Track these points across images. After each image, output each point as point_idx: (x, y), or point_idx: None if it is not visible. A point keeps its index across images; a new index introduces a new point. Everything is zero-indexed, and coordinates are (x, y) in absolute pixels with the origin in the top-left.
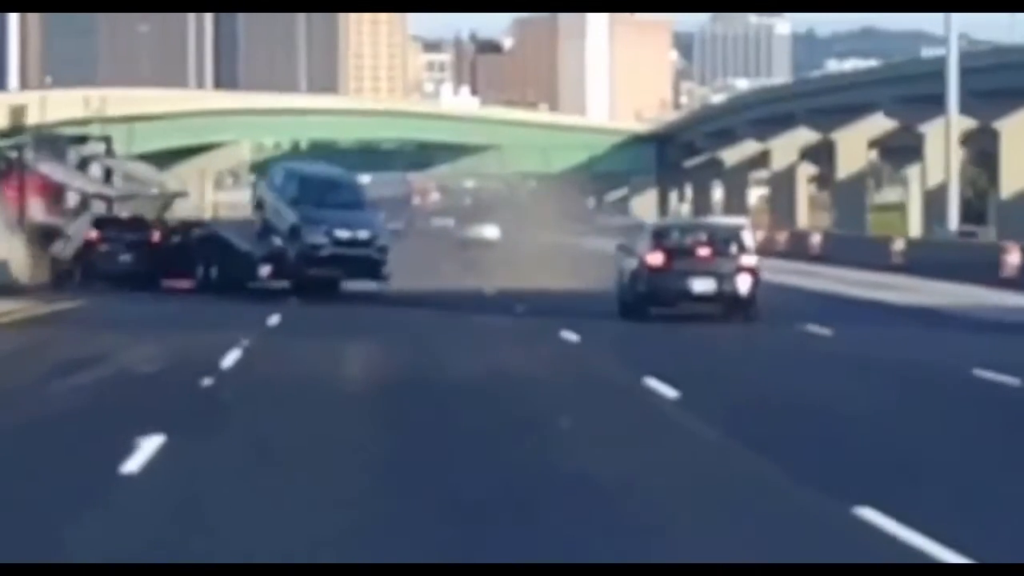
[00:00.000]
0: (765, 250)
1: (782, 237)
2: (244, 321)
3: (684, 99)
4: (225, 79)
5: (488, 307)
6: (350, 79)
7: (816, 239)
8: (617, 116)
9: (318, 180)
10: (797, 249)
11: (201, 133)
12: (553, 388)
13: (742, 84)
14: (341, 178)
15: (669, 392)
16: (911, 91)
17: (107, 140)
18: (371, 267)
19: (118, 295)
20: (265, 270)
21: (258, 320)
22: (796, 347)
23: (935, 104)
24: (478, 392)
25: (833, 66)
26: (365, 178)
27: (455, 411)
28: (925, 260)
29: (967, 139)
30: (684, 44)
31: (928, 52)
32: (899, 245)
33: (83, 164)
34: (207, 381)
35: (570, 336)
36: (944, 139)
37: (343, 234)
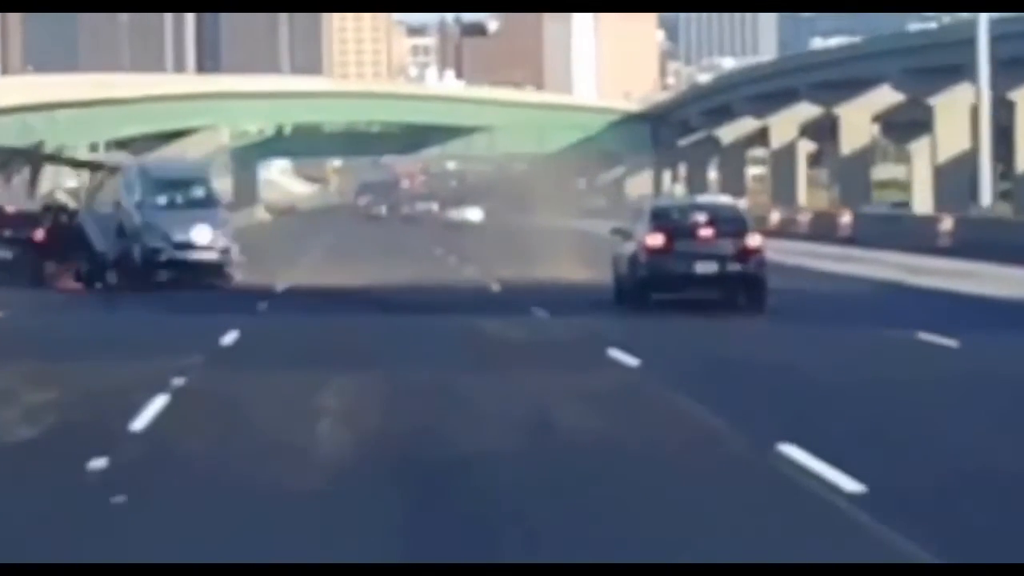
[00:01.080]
0: (784, 232)
1: (804, 217)
2: (187, 341)
3: (671, 79)
4: (208, 66)
5: (496, 307)
6: (334, 65)
7: (846, 219)
8: (605, 97)
9: (164, 181)
10: (822, 230)
11: (177, 118)
12: (659, 470)
13: (728, 63)
14: (188, 177)
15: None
16: (921, 63)
17: None
18: (212, 270)
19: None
20: (111, 275)
21: (208, 339)
22: (923, 361)
23: (945, 75)
24: (536, 488)
25: (819, 44)
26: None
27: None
28: (977, 241)
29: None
30: (669, 24)
31: (915, 27)
32: (947, 224)
33: None
34: (97, 464)
35: (624, 358)
36: (958, 111)
37: (182, 237)
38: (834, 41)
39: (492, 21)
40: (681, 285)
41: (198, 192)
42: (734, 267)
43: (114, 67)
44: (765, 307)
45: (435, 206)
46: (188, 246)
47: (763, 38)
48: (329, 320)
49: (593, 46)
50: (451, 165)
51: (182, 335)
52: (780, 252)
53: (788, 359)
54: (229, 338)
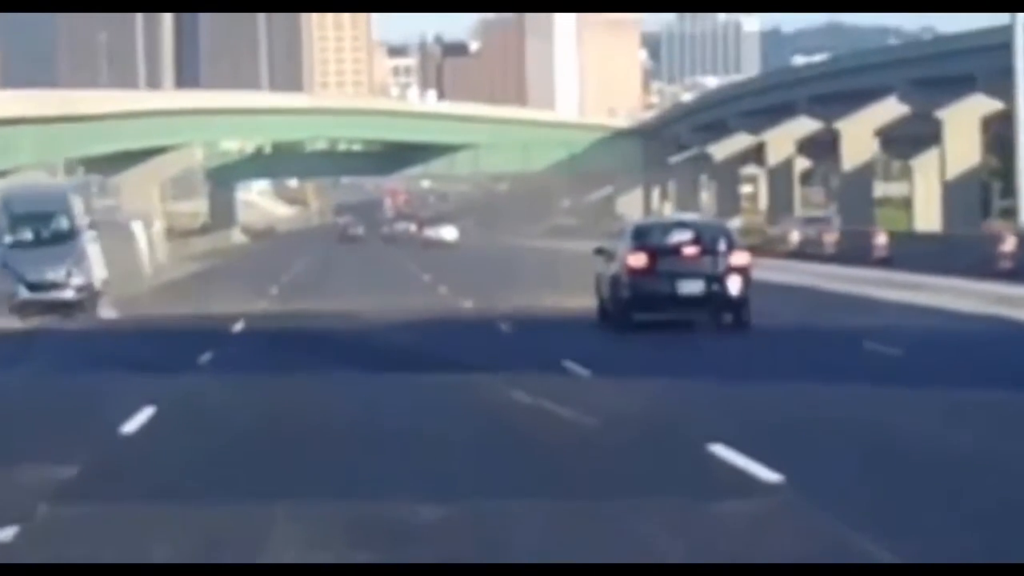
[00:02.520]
0: (806, 253)
1: (830, 237)
2: (66, 432)
3: (654, 99)
4: (186, 84)
5: (507, 356)
6: (314, 86)
7: (882, 239)
8: (588, 116)
9: (23, 214)
10: (852, 252)
11: (147, 136)
12: None
13: (711, 82)
14: (47, 210)
15: None
16: (928, 73)
17: None
18: (68, 307)
19: None
20: None
21: (98, 427)
22: None
23: (955, 86)
24: None
25: (800, 62)
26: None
27: None
28: None
29: (988, 124)
30: (651, 44)
31: (894, 43)
32: (1008, 245)
33: None
34: None
35: (754, 469)
36: (968, 123)
37: (36, 278)
38: (818, 59)
39: (473, 41)
40: (665, 305)
41: (58, 224)
42: (719, 286)
43: (92, 84)
44: (750, 327)
45: (414, 227)
46: (42, 287)
47: (745, 57)
48: (288, 386)
49: (575, 65)
50: (434, 185)
51: (64, 418)
52: (820, 278)
53: None
54: (133, 424)
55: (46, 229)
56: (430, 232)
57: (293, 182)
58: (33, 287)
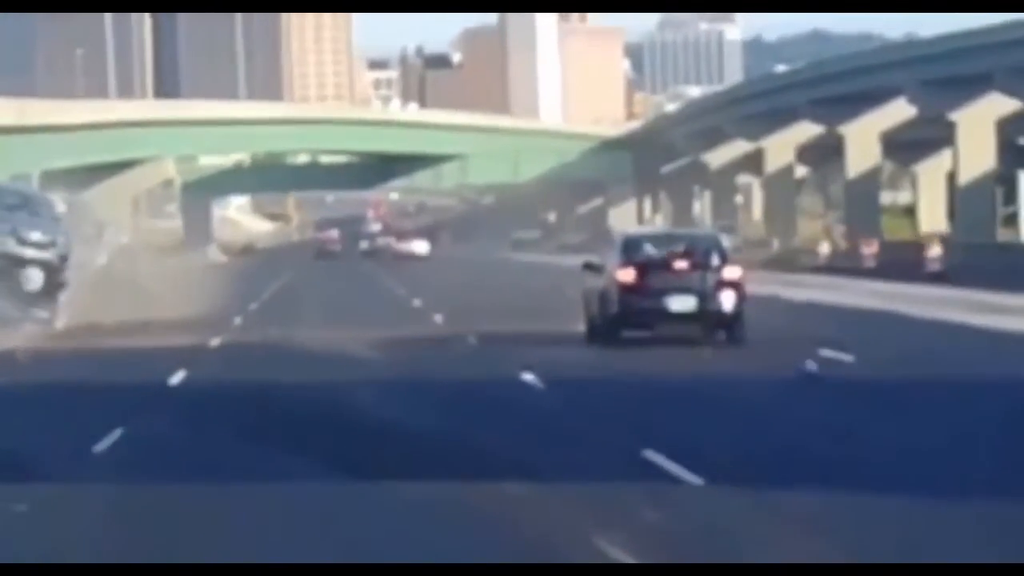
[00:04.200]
0: (837, 267)
1: (870, 250)
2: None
3: (637, 109)
4: (166, 95)
5: (544, 431)
6: (295, 100)
7: (935, 251)
8: (573, 127)
9: None
10: (897, 265)
11: (117, 148)
12: None
13: (694, 92)
14: None
15: None
16: (940, 73)
17: None
18: None
19: None
20: None
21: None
22: None
23: (968, 87)
24: None
25: (783, 71)
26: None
27: None
28: None
29: (1003, 125)
30: (634, 54)
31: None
32: None
33: None
34: None
35: None
36: (983, 125)
37: None
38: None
39: (455, 53)
40: (655, 322)
41: None
42: (712, 302)
43: (70, 95)
44: (744, 343)
45: (392, 240)
46: None
47: (728, 66)
48: (228, 494)
49: (559, 76)
50: (419, 198)
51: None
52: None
53: None
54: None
55: None
56: (403, 246)
57: (276, 196)
58: None
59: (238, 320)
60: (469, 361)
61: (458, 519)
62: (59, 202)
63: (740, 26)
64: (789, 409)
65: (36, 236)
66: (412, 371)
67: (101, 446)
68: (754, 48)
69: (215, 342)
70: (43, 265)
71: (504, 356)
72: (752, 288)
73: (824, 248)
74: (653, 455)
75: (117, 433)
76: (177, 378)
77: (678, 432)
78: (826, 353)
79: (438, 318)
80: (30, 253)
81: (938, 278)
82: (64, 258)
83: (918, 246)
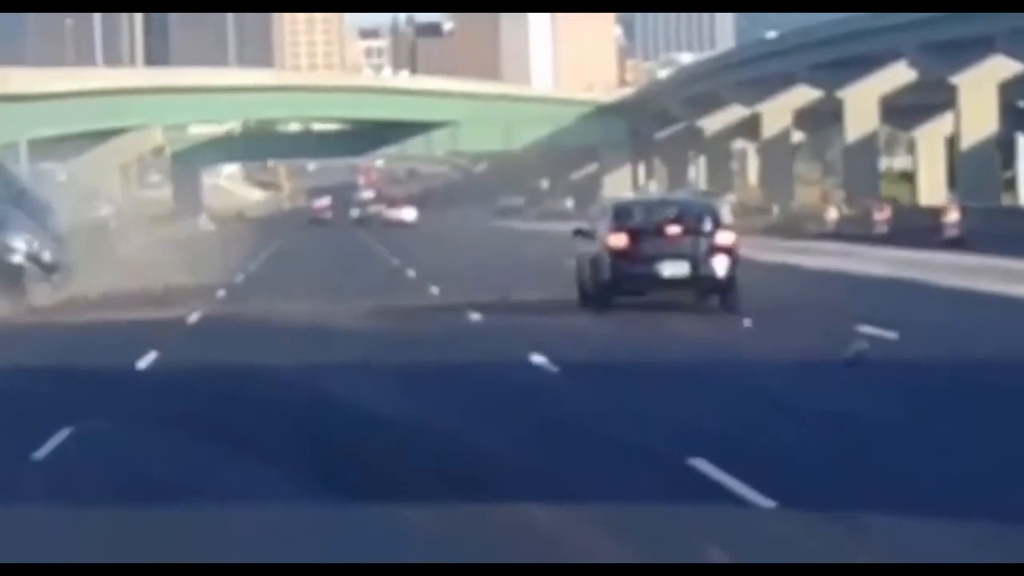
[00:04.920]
0: (846, 234)
1: (882, 215)
2: None
3: (629, 76)
4: (156, 62)
5: (564, 431)
6: (286, 67)
7: (953, 215)
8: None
9: None
10: (910, 231)
11: (104, 117)
12: None
13: (686, 58)
14: None
15: None
16: (940, 36)
17: None
18: None
19: None
20: None
21: None
22: None
23: (969, 50)
24: None
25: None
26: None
27: None
28: None
29: (1005, 89)
30: (626, 21)
31: None
32: None
33: None
34: None
35: None
36: (986, 89)
37: None
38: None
39: (447, 21)
40: (647, 287)
41: None
42: (705, 267)
43: (60, 63)
44: (739, 309)
45: (383, 207)
46: None
47: (720, 33)
48: (178, 519)
49: (550, 44)
50: (415, 166)
51: None
52: (910, 267)
53: None
54: None
55: None
56: (392, 213)
57: (264, 165)
58: None
59: (222, 293)
60: (471, 340)
61: (459, 551)
62: (59, 171)
63: None
64: (856, 404)
65: (17, 243)
66: (407, 353)
67: (41, 452)
68: (745, 15)
69: (194, 317)
70: (27, 266)
71: (508, 334)
72: (761, 255)
73: (831, 213)
74: (702, 465)
75: (64, 434)
76: (146, 361)
77: (728, 436)
78: (866, 330)
79: (435, 289)
80: (16, 259)
81: (955, 244)
82: (57, 244)
83: (932, 211)
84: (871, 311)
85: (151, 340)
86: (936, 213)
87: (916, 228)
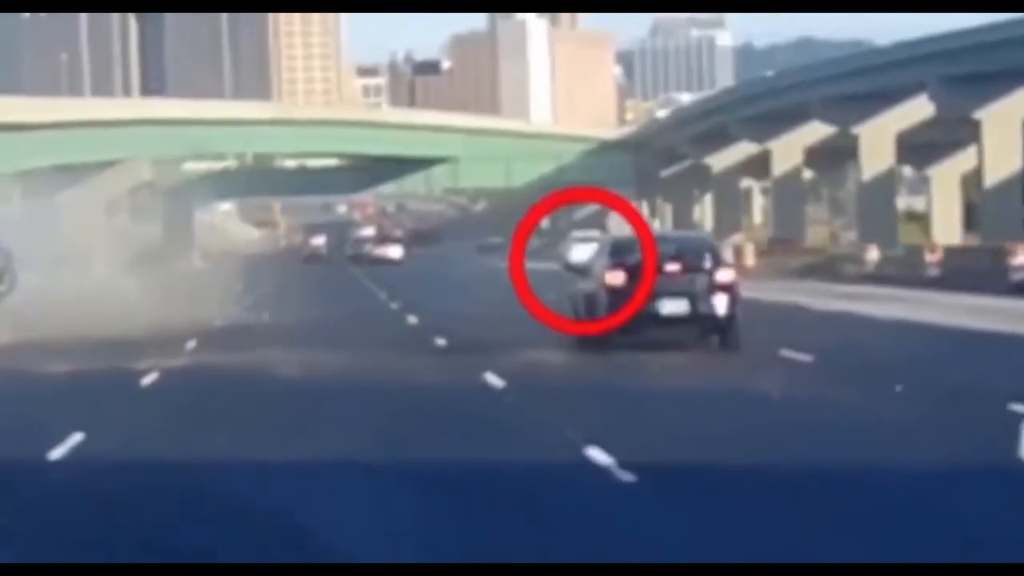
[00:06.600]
0: (889, 277)
1: (934, 256)
2: None
3: (629, 115)
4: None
5: None
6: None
7: (1021, 258)
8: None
9: None
10: (967, 274)
11: (90, 149)
12: None
13: (685, 98)
14: None
15: None
16: (964, 68)
17: None
18: None
19: None
20: None
21: None
22: None
23: (994, 83)
24: None
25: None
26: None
27: None
28: None
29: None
30: (625, 61)
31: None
32: None
33: None
34: None
35: None
36: (1010, 124)
37: None
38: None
39: (445, 59)
40: (645, 326)
41: None
42: (704, 305)
43: (55, 93)
44: (739, 347)
45: (371, 246)
46: None
47: (719, 72)
48: None
49: (549, 83)
50: (412, 204)
51: None
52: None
53: None
54: None
55: None
56: (380, 250)
57: (260, 202)
58: None
59: (192, 344)
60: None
61: None
62: None
63: (731, 32)
64: None
65: None
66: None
67: None
68: (744, 55)
69: (150, 378)
70: None
71: (542, 410)
72: (815, 303)
73: (872, 254)
74: None
75: None
76: (65, 448)
77: None
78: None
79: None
80: None
81: (1021, 289)
82: None
83: (992, 252)
84: (1006, 382)
85: (84, 412)
86: (995, 254)
87: (967, 270)
